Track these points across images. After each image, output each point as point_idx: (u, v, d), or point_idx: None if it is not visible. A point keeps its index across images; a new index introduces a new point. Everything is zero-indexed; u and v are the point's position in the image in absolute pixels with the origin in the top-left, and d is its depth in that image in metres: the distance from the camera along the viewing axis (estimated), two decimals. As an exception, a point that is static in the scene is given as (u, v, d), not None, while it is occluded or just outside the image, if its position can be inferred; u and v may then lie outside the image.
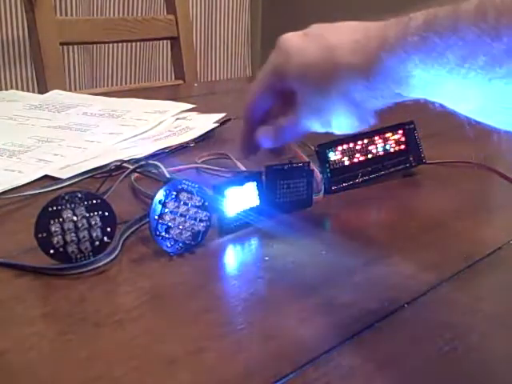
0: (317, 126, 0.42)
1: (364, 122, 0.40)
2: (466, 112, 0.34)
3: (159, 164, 0.48)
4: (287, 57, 0.42)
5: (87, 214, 0.39)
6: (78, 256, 0.39)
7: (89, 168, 0.57)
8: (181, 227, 0.41)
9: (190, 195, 0.42)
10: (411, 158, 0.59)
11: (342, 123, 0.40)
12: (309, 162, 0.49)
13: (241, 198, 0.45)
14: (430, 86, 0.34)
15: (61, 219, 0.38)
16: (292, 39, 0.42)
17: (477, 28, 0.30)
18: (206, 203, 0.42)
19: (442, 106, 0.35)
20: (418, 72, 0.34)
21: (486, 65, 0.30)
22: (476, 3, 0.31)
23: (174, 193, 0.41)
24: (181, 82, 1.28)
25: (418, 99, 0.36)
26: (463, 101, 0.33)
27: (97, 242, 0.39)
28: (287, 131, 0.45)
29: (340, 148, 0.54)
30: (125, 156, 0.60)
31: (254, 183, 0.46)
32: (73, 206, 0.38)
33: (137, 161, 0.56)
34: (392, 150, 0.58)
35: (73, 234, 0.38)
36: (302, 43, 0.41)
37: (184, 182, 0.41)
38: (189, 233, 0.41)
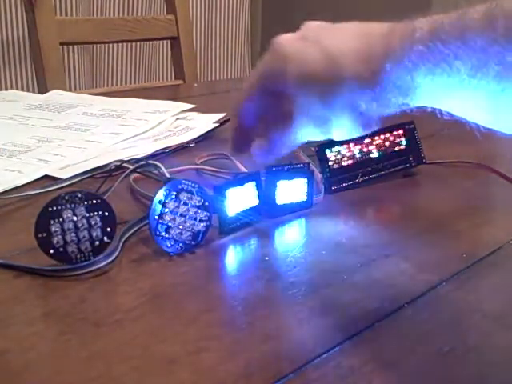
0: (316, 134, 0.41)
1: (368, 128, 0.39)
2: (476, 120, 0.33)
3: (159, 164, 0.48)
4: (284, 61, 0.40)
5: (87, 214, 0.39)
6: (78, 256, 0.39)
7: (89, 168, 0.57)
8: (181, 227, 0.41)
9: (189, 195, 0.42)
10: (411, 158, 0.59)
11: (344, 131, 0.40)
12: (309, 163, 0.49)
13: (241, 198, 0.45)
14: (438, 96, 0.34)
15: (61, 219, 0.38)
16: (289, 43, 0.41)
17: (486, 37, 0.29)
18: (206, 203, 0.42)
19: (449, 114, 0.34)
20: (426, 82, 0.33)
21: (499, 74, 0.29)
22: (483, 11, 0.30)
23: (174, 193, 0.41)
24: (181, 82, 1.28)
25: (425, 107, 0.36)
26: (474, 110, 0.33)
27: (97, 242, 0.39)
28: (282, 144, 0.44)
29: (340, 148, 0.54)
30: (125, 156, 0.60)
31: (254, 183, 0.46)
32: (73, 206, 0.38)
33: (137, 161, 0.56)
34: (392, 150, 0.58)
35: (73, 234, 0.38)
36: (301, 48, 0.40)
37: (184, 181, 0.41)
38: (189, 233, 0.42)
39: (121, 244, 0.41)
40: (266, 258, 0.42)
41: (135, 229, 0.43)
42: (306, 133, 0.42)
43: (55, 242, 0.38)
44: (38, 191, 0.51)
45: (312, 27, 0.41)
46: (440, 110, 0.35)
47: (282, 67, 0.40)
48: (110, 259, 0.39)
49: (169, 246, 0.41)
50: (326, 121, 0.39)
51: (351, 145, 0.55)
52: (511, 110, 0.31)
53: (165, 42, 1.75)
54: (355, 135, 0.40)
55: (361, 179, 0.55)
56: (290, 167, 0.47)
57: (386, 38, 0.35)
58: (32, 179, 0.55)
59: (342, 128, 0.39)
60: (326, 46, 0.38)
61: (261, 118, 0.45)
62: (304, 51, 0.39)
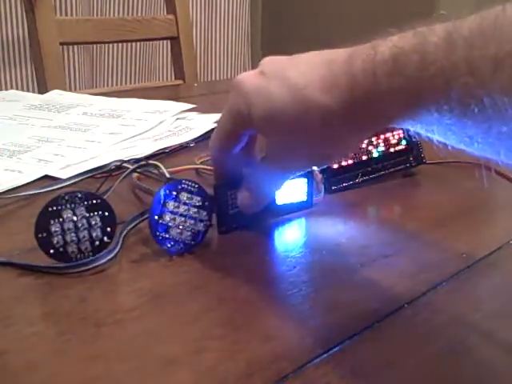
0: (295, 169, 0.40)
1: (346, 155, 0.39)
2: (444, 141, 0.33)
3: (159, 164, 0.48)
4: (247, 100, 0.38)
5: (87, 214, 0.39)
6: (78, 256, 0.39)
7: (89, 168, 0.57)
8: (181, 227, 0.41)
9: (189, 195, 0.42)
10: (411, 158, 0.59)
11: (325, 160, 0.39)
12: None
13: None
14: (405, 119, 0.33)
15: (61, 219, 0.38)
16: (249, 80, 0.39)
17: (447, 62, 0.29)
18: (206, 203, 0.42)
19: (418, 134, 0.34)
20: (391, 107, 0.33)
21: (461, 99, 0.29)
22: (443, 35, 0.29)
23: (174, 193, 0.41)
24: (181, 82, 1.28)
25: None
26: (440, 133, 0.32)
27: (97, 242, 0.39)
28: (266, 189, 0.42)
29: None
30: (125, 156, 0.60)
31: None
32: (73, 205, 0.38)
33: (137, 161, 0.56)
34: (392, 150, 0.58)
35: (73, 234, 0.38)
36: (262, 83, 0.38)
37: (184, 181, 0.41)
38: (189, 233, 0.42)
39: (121, 240, 0.41)
40: (266, 258, 0.42)
41: (135, 224, 0.43)
42: (285, 170, 0.40)
43: (55, 241, 0.38)
44: (37, 191, 0.51)
45: (271, 61, 0.40)
46: (408, 130, 0.34)
47: (246, 105, 0.38)
48: (110, 255, 0.39)
49: (169, 246, 0.41)
50: (304, 155, 0.38)
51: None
52: (476, 134, 0.30)
53: (165, 42, 1.75)
54: (335, 162, 0.39)
55: (361, 179, 0.55)
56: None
57: (348, 64, 0.34)
58: (32, 179, 0.55)
59: (323, 158, 0.38)
60: (289, 79, 0.36)
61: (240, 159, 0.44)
62: (267, 87, 0.37)
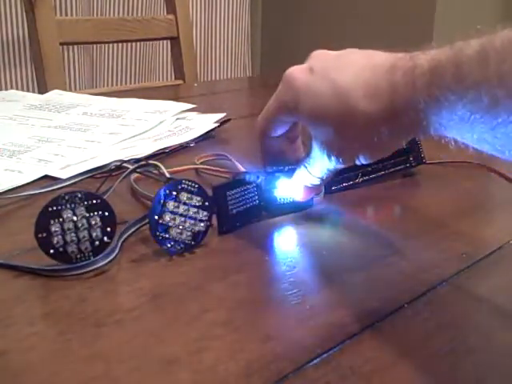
0: (334, 165, 0.42)
1: (386, 154, 0.41)
2: (479, 148, 0.34)
3: (159, 164, 0.48)
4: (296, 95, 0.41)
5: (87, 214, 0.39)
6: (78, 256, 0.39)
7: (89, 168, 0.57)
8: (181, 227, 0.41)
9: (189, 195, 0.42)
10: (411, 158, 0.59)
11: (365, 159, 0.41)
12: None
13: (241, 198, 0.45)
14: (442, 128, 0.35)
15: (61, 219, 0.38)
16: (298, 76, 0.41)
17: (479, 74, 0.31)
18: (206, 203, 0.42)
19: (455, 140, 0.36)
20: (429, 116, 0.35)
21: (492, 109, 0.30)
22: (477, 48, 0.31)
23: (174, 193, 0.41)
24: (181, 82, 1.28)
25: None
26: (475, 140, 0.34)
27: (97, 242, 0.39)
28: (317, 181, 0.46)
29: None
30: (125, 156, 0.60)
31: (254, 183, 0.46)
32: (73, 206, 0.38)
33: (137, 161, 0.56)
34: (392, 150, 0.57)
35: (73, 234, 0.38)
36: (310, 81, 0.41)
37: (184, 181, 0.41)
38: (189, 233, 0.42)
39: (120, 243, 0.41)
40: (266, 258, 0.42)
41: (135, 229, 0.43)
42: (324, 164, 0.43)
43: (55, 241, 0.38)
44: (38, 191, 0.51)
45: (320, 57, 0.42)
46: (445, 138, 0.36)
47: (295, 101, 0.41)
48: (109, 258, 0.39)
49: (169, 246, 0.41)
50: (345, 152, 0.41)
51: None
52: (508, 143, 0.32)
53: (165, 42, 1.75)
54: (371, 161, 0.41)
55: (361, 179, 0.55)
56: (290, 167, 0.47)
57: (390, 74, 0.37)
58: (32, 179, 0.55)
59: (363, 157, 0.40)
60: (335, 81, 0.39)
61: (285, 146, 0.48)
62: (315, 85, 0.40)
